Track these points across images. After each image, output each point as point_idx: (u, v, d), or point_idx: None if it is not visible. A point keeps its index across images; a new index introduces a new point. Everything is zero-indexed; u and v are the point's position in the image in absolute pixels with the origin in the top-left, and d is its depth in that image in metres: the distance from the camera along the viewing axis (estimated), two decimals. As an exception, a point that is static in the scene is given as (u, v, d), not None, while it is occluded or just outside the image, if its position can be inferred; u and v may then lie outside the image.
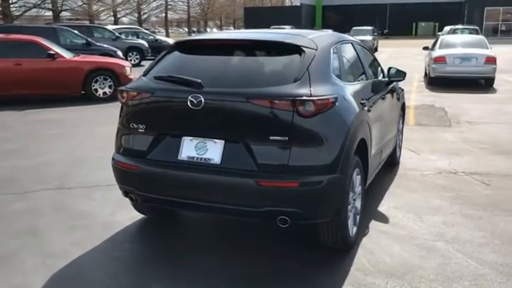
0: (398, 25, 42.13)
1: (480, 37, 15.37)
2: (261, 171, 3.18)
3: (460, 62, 13.35)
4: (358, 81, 4.19)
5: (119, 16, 46.82)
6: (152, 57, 22.85)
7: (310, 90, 3.21)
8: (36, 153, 6.69)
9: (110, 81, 11.42)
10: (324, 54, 3.59)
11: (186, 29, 63.04)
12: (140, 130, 3.54)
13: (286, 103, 3.13)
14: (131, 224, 4.31)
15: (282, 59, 3.52)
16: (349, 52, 4.32)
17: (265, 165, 3.18)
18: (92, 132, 8.06)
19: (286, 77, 3.31)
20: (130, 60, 19.72)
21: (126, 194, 3.71)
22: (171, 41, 28.24)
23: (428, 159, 6.33)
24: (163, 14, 57.90)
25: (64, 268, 3.52)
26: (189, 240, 4.07)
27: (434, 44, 15.08)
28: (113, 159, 3.76)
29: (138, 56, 21.07)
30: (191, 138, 3.39)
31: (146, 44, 22.18)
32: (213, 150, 3.32)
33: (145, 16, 52.55)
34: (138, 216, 4.43)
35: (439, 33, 29.53)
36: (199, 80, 3.31)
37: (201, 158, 3.34)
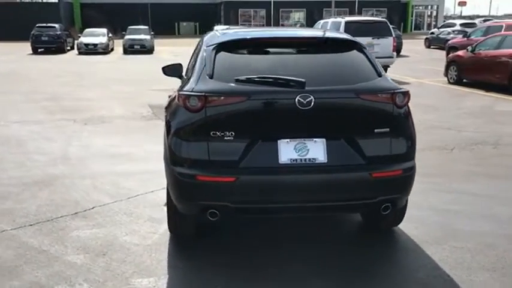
0: (162, 25, 42.99)
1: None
2: (370, 164, 3.33)
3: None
4: None
5: None
6: None
7: (396, 84, 3.50)
8: None
9: None
10: None
11: None
12: (227, 138, 3.23)
13: (388, 96, 3.36)
14: (171, 246, 3.83)
15: (351, 55, 3.66)
16: None
17: (372, 157, 3.34)
18: None
19: (370, 72, 3.51)
20: None
21: (203, 210, 3.32)
22: None
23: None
24: None
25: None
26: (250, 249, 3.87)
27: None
28: (182, 175, 3.31)
29: None
30: (288, 140, 3.29)
31: None
32: (315, 150, 3.30)
33: None
34: (161, 236, 3.96)
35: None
36: (304, 80, 3.23)
37: (305, 159, 3.28)
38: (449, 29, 30.38)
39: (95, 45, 27.09)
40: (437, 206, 4.67)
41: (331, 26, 15.81)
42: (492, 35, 13.76)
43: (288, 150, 3.28)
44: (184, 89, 3.44)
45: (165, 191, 5.05)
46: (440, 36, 29.16)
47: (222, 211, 3.30)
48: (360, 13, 42.48)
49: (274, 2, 42.57)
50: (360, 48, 3.70)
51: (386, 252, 3.84)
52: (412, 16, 49.44)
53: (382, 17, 39.68)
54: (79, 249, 3.78)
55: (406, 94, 3.43)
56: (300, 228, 4.21)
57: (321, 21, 17.23)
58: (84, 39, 27.54)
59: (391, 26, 15.43)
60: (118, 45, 29.76)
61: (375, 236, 4.09)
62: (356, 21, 15.31)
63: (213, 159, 3.26)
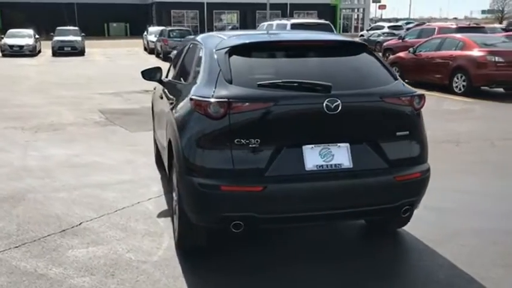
0: (90, 25, 41.18)
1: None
2: (393, 167, 3.32)
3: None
4: None
5: None
6: None
7: (412, 88, 3.53)
8: None
9: None
10: None
11: None
12: (252, 145, 3.09)
13: (408, 99, 3.39)
14: (182, 261, 3.60)
15: (364, 58, 3.63)
16: None
17: (394, 160, 3.33)
18: None
19: (386, 75, 3.51)
20: None
21: (226, 222, 3.15)
22: None
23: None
24: None
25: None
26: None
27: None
28: (204, 186, 3.13)
29: None
30: (312, 146, 3.21)
31: None
32: (340, 155, 3.24)
33: None
34: (166, 251, 3.73)
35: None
36: (330, 83, 3.16)
37: (330, 165, 3.21)
38: (378, 32, 31.70)
39: (21, 47, 25.62)
40: (429, 204, 4.73)
41: (276, 28, 15.91)
42: (433, 37, 14.47)
43: (313, 157, 3.20)
44: (200, 94, 3.25)
45: (151, 202, 4.86)
46: (371, 38, 30.32)
47: (247, 222, 3.16)
48: (291, 15, 43.24)
49: (207, 3, 42.28)
50: (370, 51, 3.69)
51: (400, 253, 3.88)
52: (340, 19, 51.08)
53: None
54: (82, 271, 3.46)
55: (423, 97, 3.48)
56: (306, 234, 4.14)
57: (265, 23, 17.30)
58: (8, 41, 25.93)
59: (334, 29, 15.79)
60: (45, 47, 28.28)
61: (380, 237, 4.10)
62: (301, 24, 15.51)
63: (238, 168, 3.12)
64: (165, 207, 4.73)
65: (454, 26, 17.53)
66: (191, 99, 3.29)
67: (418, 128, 3.49)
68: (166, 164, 4.21)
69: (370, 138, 3.31)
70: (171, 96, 4.12)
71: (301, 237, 4.10)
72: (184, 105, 3.48)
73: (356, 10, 53.30)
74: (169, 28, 26.65)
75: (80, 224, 4.28)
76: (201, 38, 4.22)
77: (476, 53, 11.71)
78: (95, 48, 31.16)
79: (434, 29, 17.88)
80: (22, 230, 4.14)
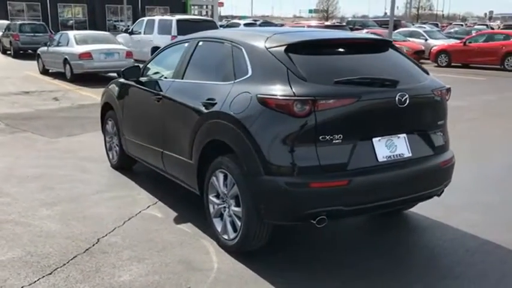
0: None
1: (106, 33, 16.10)
2: (437, 154, 3.68)
3: (105, 57, 13.86)
4: None
5: None
6: None
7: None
8: None
9: None
10: None
11: None
12: (336, 141, 3.18)
13: (444, 91, 3.77)
14: (251, 263, 3.49)
15: (399, 55, 3.89)
16: None
17: (437, 147, 3.70)
18: None
19: (420, 71, 3.82)
20: None
21: (311, 218, 3.18)
22: None
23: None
24: None
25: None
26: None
27: (60, 41, 14.84)
28: (291, 184, 3.13)
29: None
30: (379, 138, 3.40)
31: None
32: (400, 145, 3.49)
33: None
34: (223, 256, 3.60)
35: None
36: (397, 79, 3.38)
37: (395, 155, 3.44)
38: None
39: None
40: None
41: (159, 24, 15.55)
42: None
43: (382, 148, 3.40)
44: (275, 93, 3.21)
45: (154, 209, 4.60)
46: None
47: (332, 216, 3.24)
48: (143, 10, 42.26)
49: (50, -5, 38.73)
50: (396, 48, 3.99)
51: (424, 231, 4.26)
52: (191, 14, 51.25)
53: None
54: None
55: (450, 90, 3.90)
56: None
57: (145, 19, 16.78)
58: None
59: (218, 24, 15.97)
60: None
61: (393, 219, 4.45)
62: (186, 20, 15.42)
63: (324, 164, 3.17)
64: (173, 212, 4.48)
65: (321, 25, 19.03)
66: (265, 98, 3.24)
67: (446, 117, 3.91)
68: (192, 170, 3.97)
69: (421, 127, 3.62)
70: (195, 98, 3.89)
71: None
72: (247, 105, 3.34)
73: (205, 7, 54.04)
74: (20, 22, 24.05)
75: (98, 242, 3.85)
76: (227, 35, 4.06)
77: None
78: None
79: (304, 27, 19.16)
80: (36, 255, 3.59)
